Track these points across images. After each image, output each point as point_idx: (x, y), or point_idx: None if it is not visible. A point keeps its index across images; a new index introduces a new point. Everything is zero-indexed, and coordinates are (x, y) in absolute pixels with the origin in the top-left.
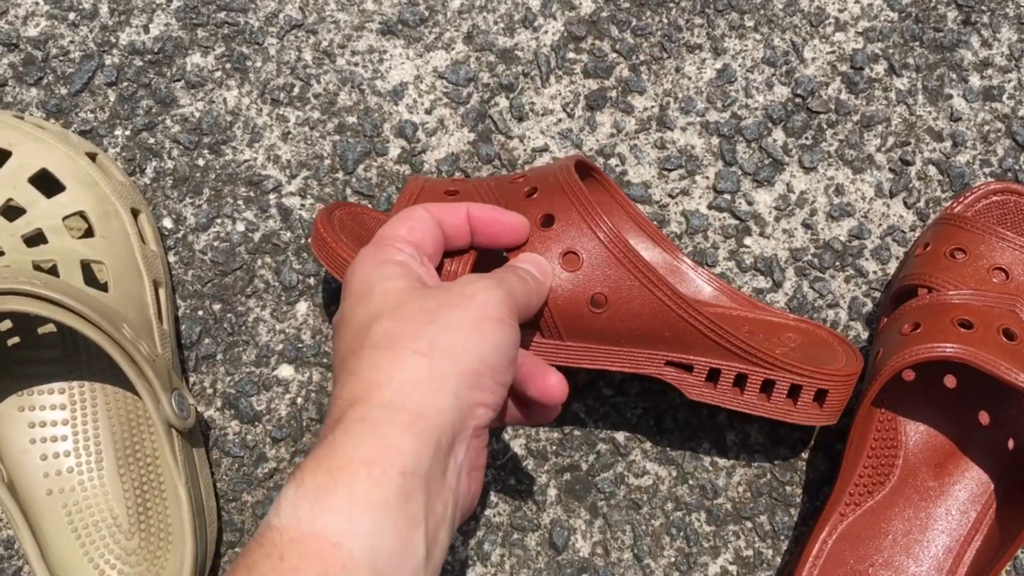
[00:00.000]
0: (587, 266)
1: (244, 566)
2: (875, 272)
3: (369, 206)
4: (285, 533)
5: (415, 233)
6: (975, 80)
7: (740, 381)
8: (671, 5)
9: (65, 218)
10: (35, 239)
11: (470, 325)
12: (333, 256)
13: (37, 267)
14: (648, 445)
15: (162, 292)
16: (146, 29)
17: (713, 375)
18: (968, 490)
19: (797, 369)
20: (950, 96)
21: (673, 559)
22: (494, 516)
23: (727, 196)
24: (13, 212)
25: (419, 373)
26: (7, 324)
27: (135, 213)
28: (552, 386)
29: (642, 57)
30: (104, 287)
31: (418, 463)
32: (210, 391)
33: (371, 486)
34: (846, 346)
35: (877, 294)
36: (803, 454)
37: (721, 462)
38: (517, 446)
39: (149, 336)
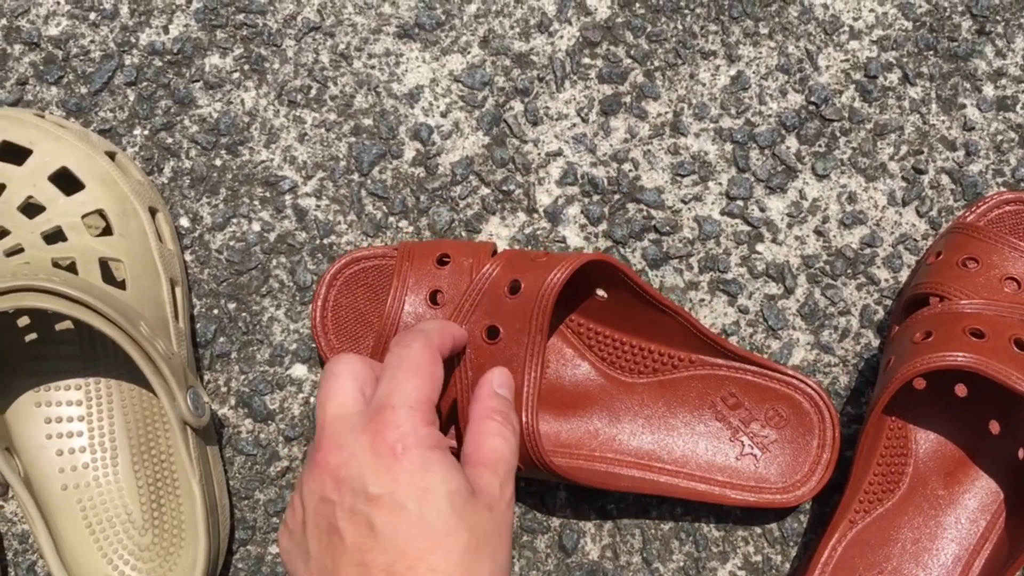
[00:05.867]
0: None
1: None
2: (887, 280)
3: (380, 244)
4: None
5: (432, 393)
6: (989, 90)
7: None
8: (686, 12)
9: (84, 216)
10: (54, 236)
11: (505, 557)
12: (322, 350)
13: (56, 264)
14: None
15: (178, 290)
16: (166, 30)
17: None
18: (978, 499)
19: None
20: (964, 105)
21: (682, 563)
22: None
23: (740, 202)
24: (33, 209)
25: None
26: (25, 320)
27: (153, 212)
28: None
29: (656, 63)
30: (121, 285)
31: None
32: (224, 389)
33: None
34: (825, 423)
35: (888, 302)
36: None
37: None
38: None
39: (165, 334)
